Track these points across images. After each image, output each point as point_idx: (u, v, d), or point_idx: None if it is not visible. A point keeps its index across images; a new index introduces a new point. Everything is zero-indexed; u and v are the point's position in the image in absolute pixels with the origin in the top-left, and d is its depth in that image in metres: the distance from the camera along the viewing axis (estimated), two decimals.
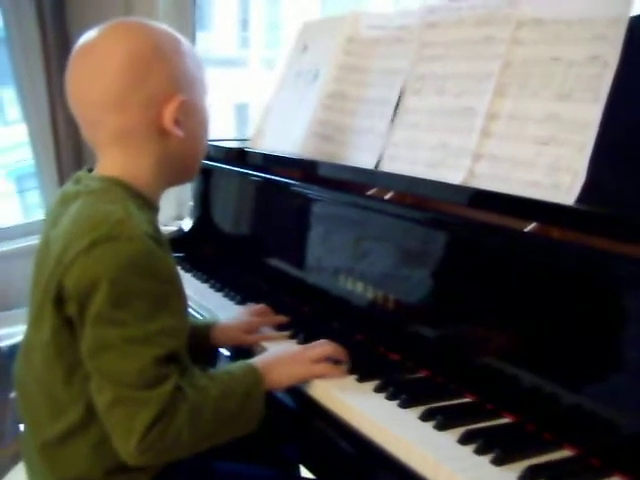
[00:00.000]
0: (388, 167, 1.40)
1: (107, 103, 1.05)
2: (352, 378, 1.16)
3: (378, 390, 1.12)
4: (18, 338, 1.18)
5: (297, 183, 1.55)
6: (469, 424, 1.01)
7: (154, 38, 1.09)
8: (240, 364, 1.13)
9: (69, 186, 1.12)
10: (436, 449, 0.96)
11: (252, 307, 1.43)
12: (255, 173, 1.71)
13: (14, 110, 2.72)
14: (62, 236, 1.03)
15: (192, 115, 1.11)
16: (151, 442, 0.96)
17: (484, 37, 1.29)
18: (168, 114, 1.07)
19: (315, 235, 1.50)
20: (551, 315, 1.03)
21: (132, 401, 0.97)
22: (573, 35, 1.16)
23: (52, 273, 1.01)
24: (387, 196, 1.35)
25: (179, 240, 1.97)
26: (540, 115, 1.16)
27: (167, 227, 2.30)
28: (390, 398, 1.09)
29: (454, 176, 1.25)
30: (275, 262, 1.66)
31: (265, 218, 1.73)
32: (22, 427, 1.17)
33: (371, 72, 1.53)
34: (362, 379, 1.15)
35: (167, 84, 1.08)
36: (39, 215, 2.67)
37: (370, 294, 1.32)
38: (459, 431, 0.99)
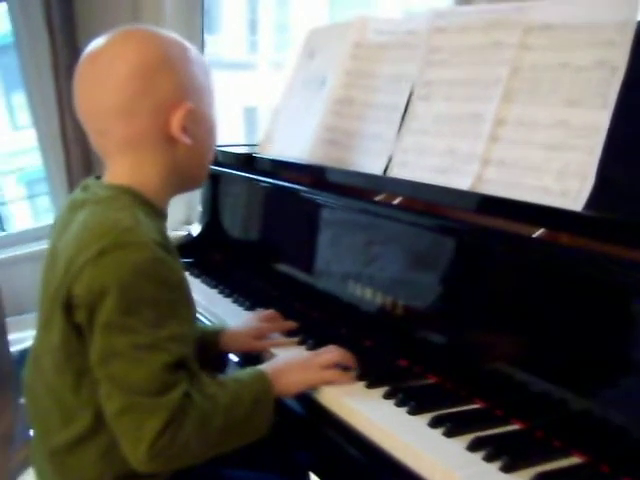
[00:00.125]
0: (396, 173, 1.40)
1: (115, 110, 1.06)
2: (361, 384, 1.16)
3: (387, 396, 1.12)
4: (29, 343, 1.18)
5: (305, 189, 1.55)
6: (478, 431, 1.01)
7: (162, 45, 1.09)
8: (249, 370, 1.13)
9: (77, 193, 1.13)
10: (445, 456, 0.96)
11: (261, 313, 1.43)
12: (263, 179, 1.71)
13: (24, 115, 2.73)
14: (71, 244, 1.03)
15: (200, 123, 1.12)
16: (160, 449, 0.96)
17: (492, 42, 1.29)
18: (176, 121, 1.07)
19: (324, 241, 1.50)
20: (560, 321, 1.02)
21: (141, 408, 0.97)
22: (581, 40, 1.16)
23: (61, 281, 1.01)
24: (395, 202, 1.35)
25: (188, 245, 1.97)
26: (548, 121, 1.16)
27: (176, 232, 2.30)
28: (399, 405, 1.09)
29: (462, 182, 1.25)
30: (284, 268, 1.66)
31: (274, 224, 1.74)
32: (32, 432, 1.18)
33: (379, 77, 1.53)
34: (371, 385, 1.15)
35: (174, 91, 1.08)
36: (49, 220, 2.68)
37: (379, 300, 1.32)
38: (468, 438, 0.99)
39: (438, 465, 0.94)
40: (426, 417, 1.05)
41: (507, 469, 0.92)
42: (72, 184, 2.54)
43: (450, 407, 1.09)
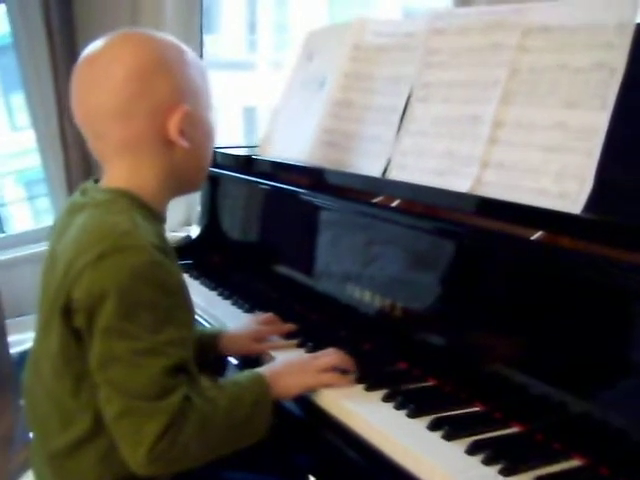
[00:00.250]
0: (395, 175, 1.40)
1: (112, 113, 1.05)
2: (360, 387, 1.16)
3: (386, 399, 1.12)
4: (29, 345, 1.18)
5: (304, 191, 1.55)
6: (477, 434, 1.01)
7: (158, 48, 1.09)
8: (248, 373, 1.13)
9: (76, 197, 1.13)
10: (444, 459, 0.96)
11: (260, 316, 1.43)
12: (263, 181, 1.71)
13: (23, 116, 2.73)
14: (69, 247, 1.03)
15: (197, 125, 1.11)
16: (160, 452, 0.96)
17: (491, 44, 1.29)
18: (173, 124, 1.07)
19: (323, 243, 1.50)
20: (559, 323, 1.02)
21: (141, 412, 0.97)
22: (580, 42, 1.16)
23: (60, 285, 1.02)
24: (394, 204, 1.35)
25: (187, 247, 1.97)
26: (547, 122, 1.16)
27: (175, 233, 2.30)
28: (398, 407, 1.09)
29: (461, 184, 1.25)
30: (283, 270, 1.66)
31: (273, 226, 1.73)
32: (31, 435, 1.18)
33: (377, 79, 1.53)
34: (370, 388, 1.15)
35: (171, 94, 1.08)
36: (49, 221, 2.68)
37: (378, 302, 1.32)
38: (467, 441, 0.99)
39: (437, 468, 0.94)
40: (425, 420, 1.05)
41: (507, 472, 0.92)
42: (71, 185, 2.54)
43: (449, 410, 1.09)
